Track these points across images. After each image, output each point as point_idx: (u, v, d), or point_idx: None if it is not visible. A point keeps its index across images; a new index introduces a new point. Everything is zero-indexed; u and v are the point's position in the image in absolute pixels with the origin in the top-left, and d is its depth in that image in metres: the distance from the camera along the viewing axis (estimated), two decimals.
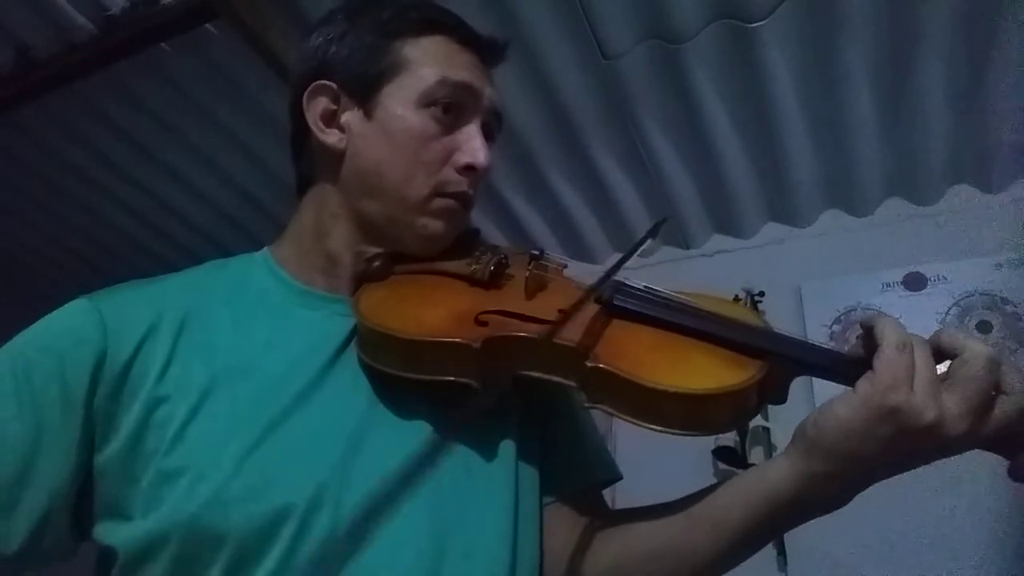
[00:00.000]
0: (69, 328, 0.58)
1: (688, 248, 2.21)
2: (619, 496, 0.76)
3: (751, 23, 1.51)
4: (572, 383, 0.56)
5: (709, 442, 1.86)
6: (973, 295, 1.76)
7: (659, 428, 0.53)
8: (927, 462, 0.51)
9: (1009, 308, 1.72)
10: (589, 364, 0.54)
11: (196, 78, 1.83)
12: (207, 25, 1.67)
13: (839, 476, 0.52)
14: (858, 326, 0.54)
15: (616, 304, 0.61)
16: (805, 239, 2.05)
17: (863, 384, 0.49)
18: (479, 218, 2.16)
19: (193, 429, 0.55)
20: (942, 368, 0.50)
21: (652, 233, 0.75)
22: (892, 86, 1.64)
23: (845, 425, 0.50)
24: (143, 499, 0.53)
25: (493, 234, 2.19)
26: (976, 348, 0.49)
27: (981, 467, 1.62)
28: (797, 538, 1.71)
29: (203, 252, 2.51)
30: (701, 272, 2.13)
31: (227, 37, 1.68)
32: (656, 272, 2.13)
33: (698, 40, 1.56)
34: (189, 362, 0.58)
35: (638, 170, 1.97)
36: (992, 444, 0.50)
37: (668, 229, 2.21)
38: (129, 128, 2.01)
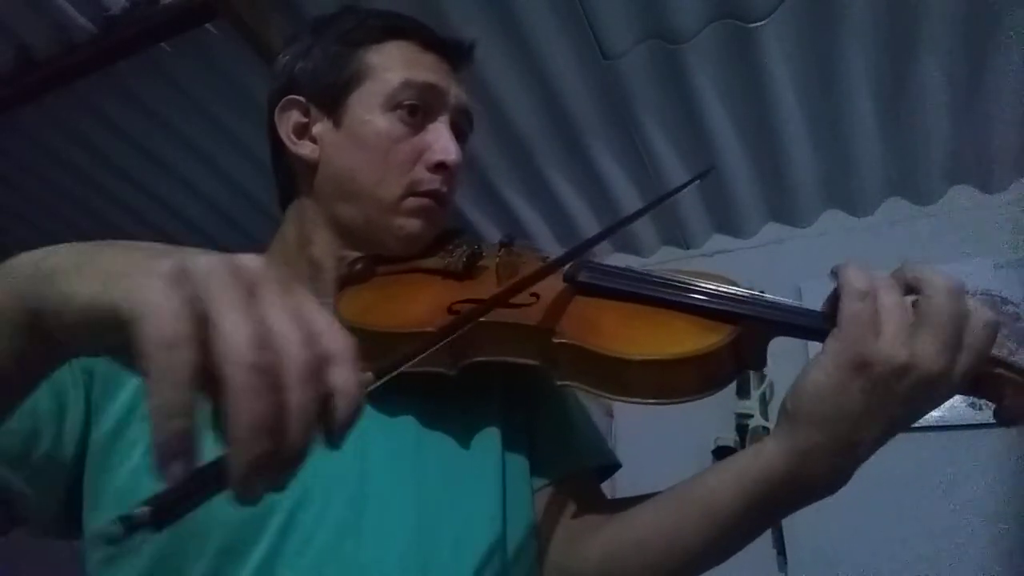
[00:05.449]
0: None
1: (688, 248, 2.22)
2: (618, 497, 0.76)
3: (751, 23, 1.51)
4: (543, 363, 0.57)
5: (709, 442, 1.86)
6: (973, 295, 1.76)
7: (631, 399, 0.53)
8: (919, 414, 0.50)
9: (1009, 308, 1.72)
10: (556, 340, 0.55)
11: (196, 78, 1.83)
12: (207, 25, 1.67)
13: (828, 445, 0.50)
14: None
15: (581, 280, 0.61)
16: (805, 239, 2.05)
17: (830, 342, 0.49)
18: (480, 218, 2.16)
19: None
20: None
21: (695, 179, 0.75)
22: (892, 86, 1.64)
23: (820, 387, 0.49)
24: (123, 487, 0.53)
25: (493, 234, 2.19)
26: (937, 281, 0.48)
27: (982, 467, 1.63)
28: (797, 538, 1.72)
29: None
30: (699, 271, 2.13)
31: (227, 37, 1.68)
32: None
33: (698, 40, 1.57)
34: None
35: (638, 170, 1.97)
36: (976, 385, 0.49)
37: (668, 229, 2.21)
38: (129, 128, 2.01)
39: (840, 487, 0.53)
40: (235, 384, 0.27)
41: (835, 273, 0.51)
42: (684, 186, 0.77)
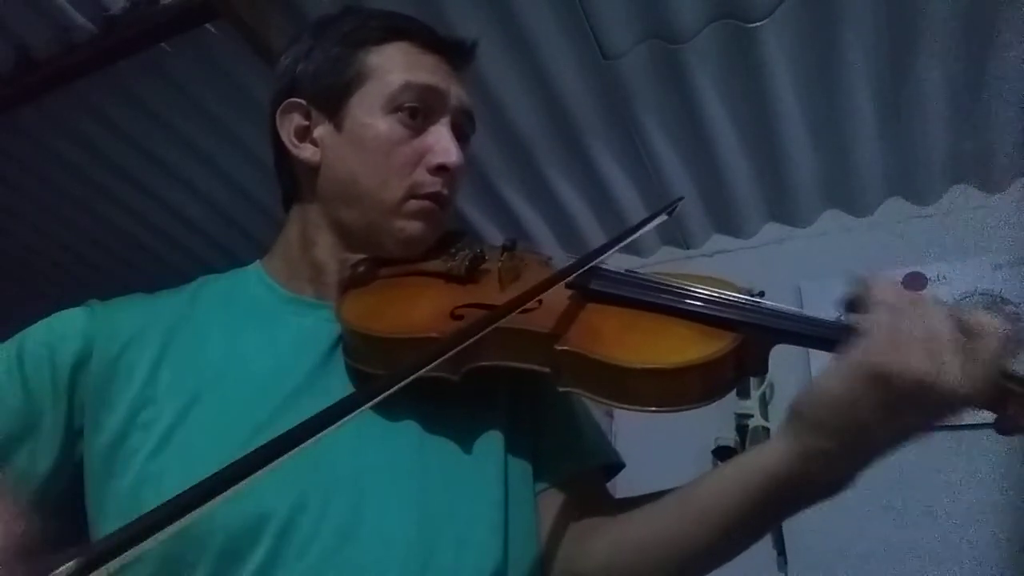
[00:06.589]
0: (62, 324, 0.62)
1: (688, 248, 2.21)
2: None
3: (751, 23, 1.51)
4: (546, 369, 0.57)
5: (709, 442, 1.86)
6: (973, 295, 1.76)
7: (632, 407, 0.53)
8: (934, 426, 0.48)
9: (1009, 308, 1.72)
10: (558, 347, 0.55)
11: (196, 78, 1.83)
12: (207, 25, 1.67)
13: (835, 452, 0.49)
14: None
15: (585, 286, 0.61)
16: (805, 239, 2.05)
17: (853, 350, 0.47)
18: (479, 218, 2.16)
19: (180, 433, 0.56)
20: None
21: (666, 211, 0.76)
22: (892, 86, 1.64)
23: (835, 397, 0.48)
24: (125, 498, 0.54)
25: (493, 234, 2.19)
26: (993, 323, 0.46)
27: (982, 467, 1.63)
28: (797, 538, 1.72)
29: (203, 252, 2.51)
30: (701, 272, 2.13)
31: (227, 37, 1.68)
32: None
33: (698, 40, 1.56)
34: (178, 368, 0.60)
35: (638, 170, 1.97)
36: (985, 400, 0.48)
37: (668, 229, 2.21)
38: (129, 128, 2.01)
39: (843, 490, 0.52)
40: None
41: (858, 283, 0.50)
42: (654, 216, 0.77)
